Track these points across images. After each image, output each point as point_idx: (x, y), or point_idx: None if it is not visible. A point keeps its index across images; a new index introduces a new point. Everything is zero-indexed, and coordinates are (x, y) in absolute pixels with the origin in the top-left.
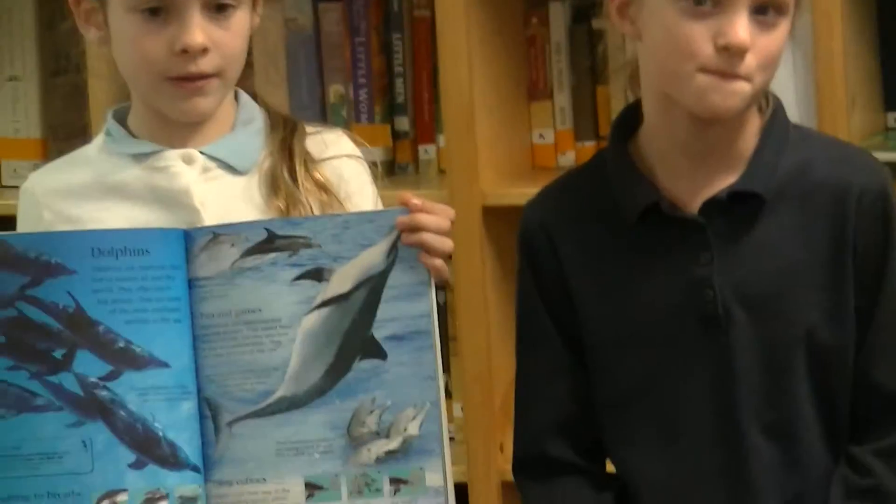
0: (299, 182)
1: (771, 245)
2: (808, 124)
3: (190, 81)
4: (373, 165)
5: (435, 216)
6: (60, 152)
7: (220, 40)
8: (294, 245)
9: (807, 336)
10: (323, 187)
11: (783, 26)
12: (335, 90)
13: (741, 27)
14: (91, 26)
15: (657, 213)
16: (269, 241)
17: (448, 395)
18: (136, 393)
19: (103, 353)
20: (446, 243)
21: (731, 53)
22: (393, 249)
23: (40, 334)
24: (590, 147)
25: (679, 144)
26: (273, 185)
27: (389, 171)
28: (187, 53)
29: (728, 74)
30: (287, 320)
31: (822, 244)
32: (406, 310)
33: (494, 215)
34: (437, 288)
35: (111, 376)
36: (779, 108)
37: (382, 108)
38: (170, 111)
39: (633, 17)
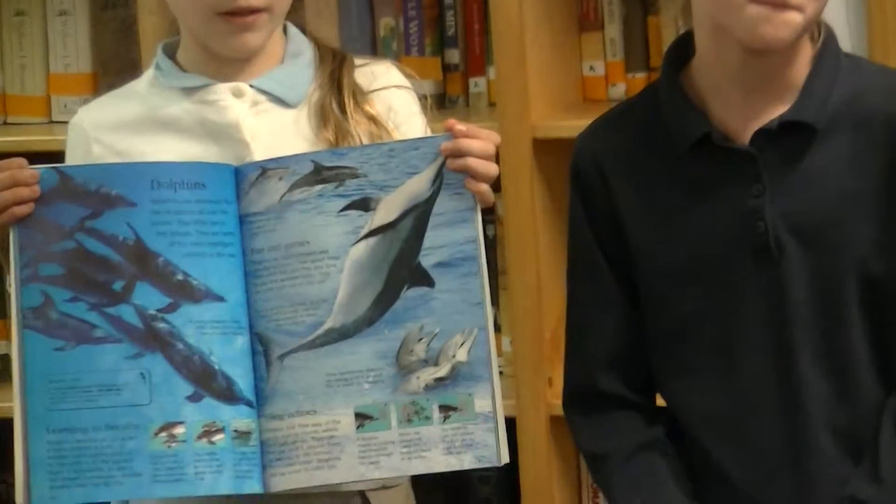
0: (348, 114)
1: (822, 175)
2: (858, 53)
3: (240, 16)
4: (422, 98)
5: (480, 141)
6: (111, 87)
7: None
8: (340, 176)
9: (859, 267)
10: (372, 118)
11: None
12: (385, 23)
13: None
14: None
15: (709, 144)
16: (315, 173)
17: (497, 328)
18: (193, 326)
19: (162, 286)
20: (491, 168)
21: None
22: (438, 176)
23: (100, 266)
24: (641, 79)
25: (730, 75)
26: (322, 117)
27: (440, 103)
28: None
29: (779, 4)
30: (335, 251)
31: (874, 174)
32: (452, 236)
33: (545, 148)
34: (483, 214)
35: (170, 308)
36: (830, 38)
37: (433, 40)
38: (219, 47)
39: None
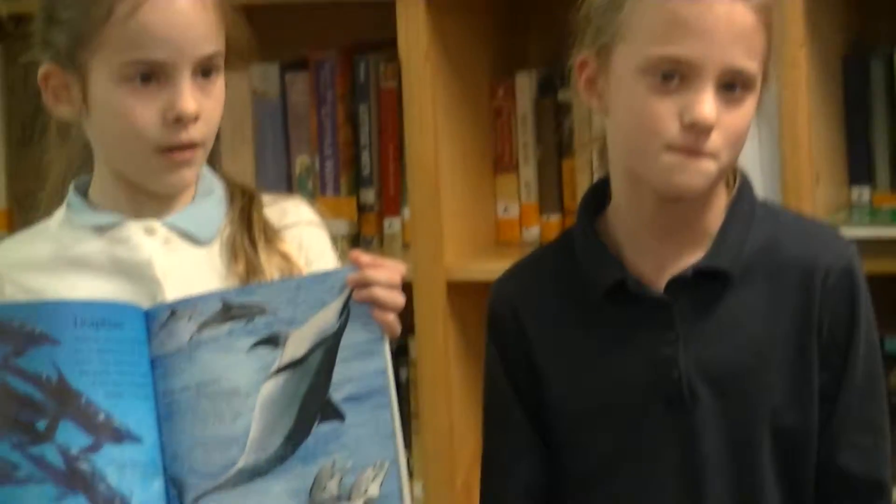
0: (259, 250)
1: (736, 323)
2: (773, 199)
3: (179, 152)
4: (333, 238)
5: (385, 270)
6: (27, 224)
7: (205, 107)
8: (249, 313)
9: (771, 416)
10: (283, 255)
11: (750, 102)
12: (301, 161)
13: (707, 104)
14: (61, 103)
15: (624, 291)
16: (224, 312)
17: (409, 473)
18: (115, 467)
19: (85, 425)
20: (397, 298)
21: (697, 130)
22: (345, 308)
23: (23, 404)
24: (555, 221)
25: (645, 221)
26: (233, 253)
27: (354, 244)
28: (180, 122)
29: (694, 152)
30: (246, 389)
31: (787, 323)
32: (361, 369)
33: (458, 290)
34: (396, 356)
35: (92, 448)
36: (745, 185)
37: (348, 180)
38: (155, 184)
39: (600, 92)
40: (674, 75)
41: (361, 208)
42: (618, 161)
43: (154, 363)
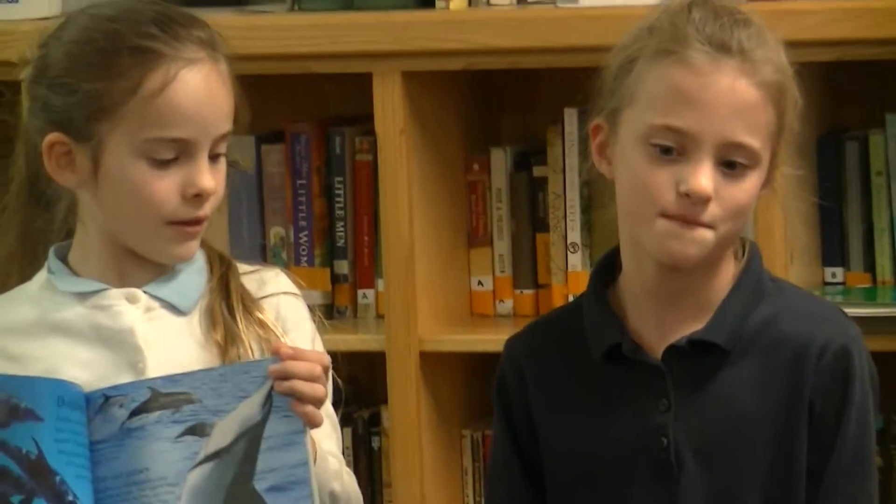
0: (237, 318)
1: (728, 397)
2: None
3: (191, 225)
4: (311, 307)
5: (305, 363)
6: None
7: (217, 183)
8: (176, 402)
9: (757, 490)
10: (261, 323)
11: (752, 178)
12: (276, 232)
13: (703, 175)
14: (64, 171)
15: (622, 355)
16: (153, 400)
17: None
18: None
19: None
20: (317, 390)
21: (693, 201)
22: (268, 399)
23: (2, 476)
24: (529, 295)
25: (647, 288)
26: (212, 321)
27: (328, 314)
28: (199, 198)
29: (689, 221)
30: (174, 478)
31: (778, 400)
32: (284, 459)
33: (431, 361)
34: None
35: None
36: (754, 258)
37: (322, 251)
38: (160, 255)
39: (609, 158)
40: (673, 148)
41: (335, 279)
42: (623, 227)
43: (91, 448)
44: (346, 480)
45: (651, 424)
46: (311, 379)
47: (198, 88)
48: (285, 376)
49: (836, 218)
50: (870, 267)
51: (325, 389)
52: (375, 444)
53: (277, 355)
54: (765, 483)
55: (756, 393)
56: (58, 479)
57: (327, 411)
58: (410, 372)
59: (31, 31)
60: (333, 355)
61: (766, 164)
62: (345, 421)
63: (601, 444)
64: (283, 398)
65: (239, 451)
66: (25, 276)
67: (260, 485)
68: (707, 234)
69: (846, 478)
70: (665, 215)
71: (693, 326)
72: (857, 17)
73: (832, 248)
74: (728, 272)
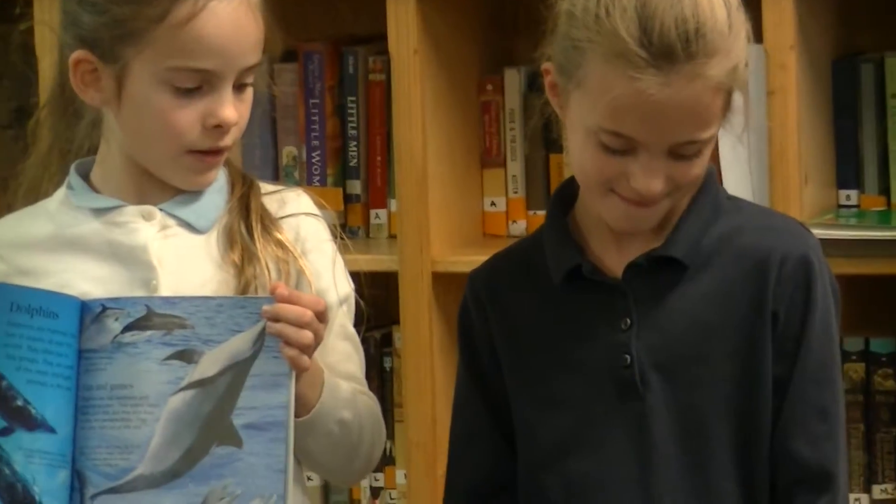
0: (256, 238)
1: (689, 311)
2: (760, 199)
3: (211, 155)
4: (332, 226)
5: (296, 308)
6: (10, 206)
7: (240, 114)
8: (170, 324)
9: (723, 403)
10: (279, 243)
11: (706, 152)
12: (288, 152)
13: (653, 178)
14: (89, 89)
15: (581, 278)
16: (147, 318)
17: (392, 461)
18: (22, 453)
19: (1, 408)
20: (304, 335)
21: (641, 196)
22: (260, 337)
23: None
24: (541, 216)
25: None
26: (230, 241)
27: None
28: (220, 128)
29: (641, 204)
30: (154, 399)
31: (741, 311)
32: (265, 399)
33: (444, 282)
34: (381, 346)
35: (4, 432)
36: (710, 178)
37: (335, 171)
38: (179, 181)
39: (561, 104)
40: (622, 148)
41: (348, 199)
42: None
43: (80, 355)
44: (359, 406)
45: (613, 343)
46: (300, 324)
47: (225, 20)
48: (276, 318)
49: (851, 141)
50: (885, 190)
51: (314, 336)
52: (387, 364)
53: (273, 295)
54: (730, 395)
55: (718, 305)
56: (4, 383)
57: (347, 332)
58: (423, 293)
59: None
60: (354, 276)
61: (718, 126)
62: None
63: (565, 367)
64: (275, 339)
65: (223, 383)
66: (57, 183)
67: (238, 420)
68: (662, 205)
69: (812, 384)
70: (614, 193)
71: (652, 245)
72: None
73: (847, 171)
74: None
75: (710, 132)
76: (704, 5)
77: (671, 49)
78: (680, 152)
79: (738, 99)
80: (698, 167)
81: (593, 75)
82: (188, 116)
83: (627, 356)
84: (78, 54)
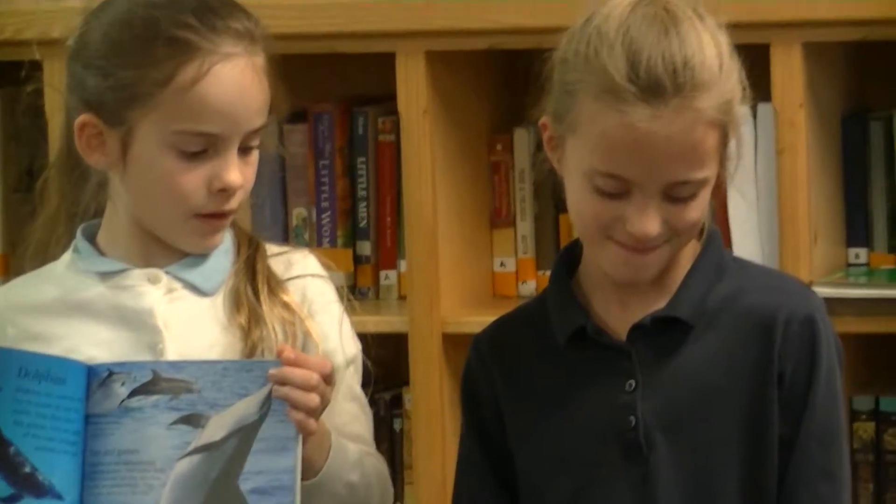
0: (262, 300)
1: (694, 371)
2: (770, 257)
3: (217, 219)
4: (339, 288)
5: (303, 371)
6: (19, 269)
7: (245, 176)
8: (176, 389)
9: (729, 465)
10: (286, 306)
11: (702, 195)
12: (298, 213)
13: (648, 220)
14: (94, 152)
15: (587, 339)
16: (153, 383)
17: None
18: None
19: (10, 475)
20: (311, 399)
21: (637, 240)
22: (267, 400)
23: None
24: None
25: (607, 276)
26: (236, 303)
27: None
28: (225, 192)
29: (639, 250)
30: (161, 463)
31: (746, 370)
32: (272, 463)
33: (454, 342)
34: (391, 407)
35: (12, 500)
36: (714, 237)
37: (345, 231)
38: (185, 244)
39: (559, 157)
40: (616, 190)
41: (357, 260)
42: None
43: (88, 420)
44: (367, 468)
45: (618, 405)
46: (306, 387)
47: (230, 84)
48: (282, 381)
49: (860, 198)
50: (894, 248)
51: (321, 399)
52: (397, 426)
53: (279, 358)
54: (736, 457)
55: (723, 366)
56: (12, 449)
57: (354, 394)
58: (433, 353)
59: (53, 10)
60: (362, 337)
61: (715, 171)
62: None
63: (570, 430)
64: (281, 402)
65: (230, 447)
66: (64, 246)
67: (244, 485)
68: (660, 252)
69: (817, 445)
70: (613, 240)
71: (656, 306)
72: None
73: (856, 229)
74: (688, 253)
75: (704, 173)
76: (692, 41)
77: (659, 82)
78: (674, 194)
79: (733, 146)
80: (695, 211)
81: (585, 115)
82: (193, 180)
83: (633, 417)
84: (83, 118)
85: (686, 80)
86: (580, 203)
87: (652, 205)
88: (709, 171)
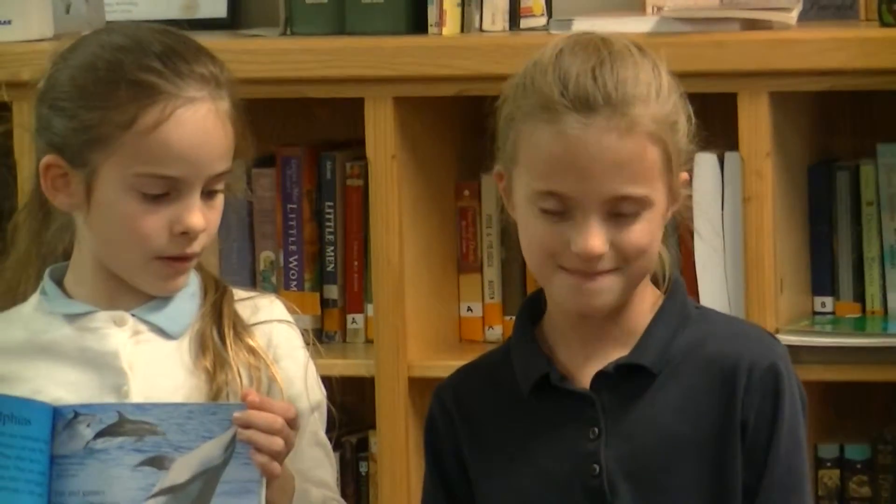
0: (228, 344)
1: (657, 419)
2: (736, 305)
3: (180, 261)
4: (305, 332)
5: (267, 414)
6: None
7: (209, 220)
8: (141, 431)
9: None
10: (251, 350)
11: (648, 217)
12: (265, 256)
13: (591, 236)
14: (59, 193)
15: (550, 387)
16: (119, 425)
17: None
18: None
19: None
20: (275, 442)
21: (584, 259)
22: (231, 443)
23: None
24: None
25: (572, 323)
26: (202, 347)
27: (317, 339)
28: (187, 235)
29: (588, 275)
30: None
31: (709, 418)
32: None
33: (420, 387)
34: (357, 451)
35: None
36: (678, 286)
37: (312, 275)
38: (148, 286)
39: (511, 201)
40: (558, 209)
41: (325, 304)
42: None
43: (53, 461)
44: None
45: (582, 453)
46: (270, 431)
47: (193, 129)
48: (247, 425)
49: (826, 247)
50: (859, 297)
51: (284, 443)
52: (363, 469)
53: (244, 402)
54: None
55: (686, 414)
56: None
57: (319, 439)
58: (399, 397)
59: (23, 52)
60: (329, 380)
61: (661, 197)
62: (333, 446)
63: (534, 478)
64: (245, 445)
65: (194, 490)
66: (34, 286)
67: None
68: (611, 280)
69: (781, 493)
70: (563, 269)
71: (620, 353)
72: (849, 48)
73: (822, 278)
74: (649, 301)
75: (643, 190)
76: (627, 64)
77: (588, 94)
78: (616, 210)
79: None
80: (641, 235)
81: (522, 137)
82: (155, 223)
83: (596, 465)
84: (48, 159)
85: (618, 94)
86: (529, 232)
87: (594, 221)
88: (649, 191)
